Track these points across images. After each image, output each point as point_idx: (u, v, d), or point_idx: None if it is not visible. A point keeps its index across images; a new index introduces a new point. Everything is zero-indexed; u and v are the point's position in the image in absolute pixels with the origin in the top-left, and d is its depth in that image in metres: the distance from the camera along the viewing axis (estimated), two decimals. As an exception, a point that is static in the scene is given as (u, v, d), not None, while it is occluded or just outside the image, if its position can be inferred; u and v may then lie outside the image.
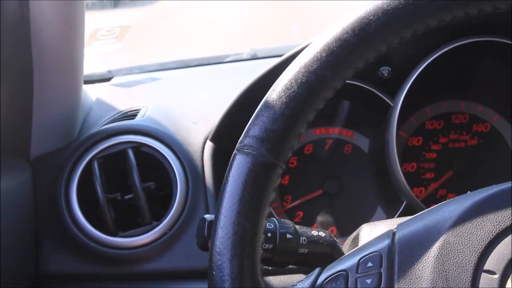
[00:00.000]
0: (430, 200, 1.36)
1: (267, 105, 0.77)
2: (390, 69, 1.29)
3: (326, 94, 0.77)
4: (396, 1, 0.76)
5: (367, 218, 1.36)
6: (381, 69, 1.29)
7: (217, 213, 0.76)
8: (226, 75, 1.74)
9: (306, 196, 1.37)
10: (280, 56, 1.88)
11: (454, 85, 1.36)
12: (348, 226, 1.36)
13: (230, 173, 0.77)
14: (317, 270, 0.83)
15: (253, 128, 0.77)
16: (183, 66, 1.86)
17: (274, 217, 1.28)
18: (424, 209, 1.21)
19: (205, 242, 0.90)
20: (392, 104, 1.27)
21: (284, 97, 0.76)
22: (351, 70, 0.77)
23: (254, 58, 1.90)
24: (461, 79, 1.35)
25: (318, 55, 0.77)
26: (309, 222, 1.37)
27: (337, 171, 1.38)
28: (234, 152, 0.77)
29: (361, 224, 1.33)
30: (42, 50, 1.15)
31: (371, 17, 0.76)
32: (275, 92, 0.77)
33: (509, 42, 1.23)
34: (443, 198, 1.36)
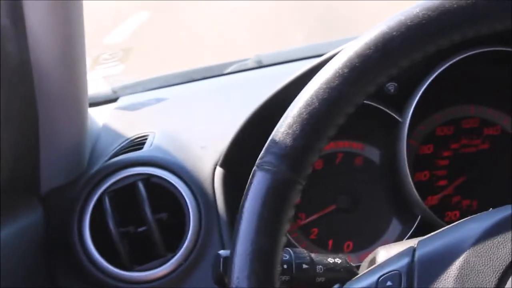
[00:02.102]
0: (445, 208, 1.35)
1: (287, 122, 0.76)
2: (396, 84, 1.28)
3: (347, 110, 0.77)
4: (420, 17, 0.76)
5: (383, 231, 1.35)
6: (387, 85, 1.28)
7: (236, 230, 0.76)
8: (232, 88, 1.73)
9: (319, 212, 1.35)
10: (286, 62, 1.88)
11: (462, 90, 1.35)
12: (364, 240, 1.35)
13: (250, 190, 0.76)
14: (336, 286, 0.82)
15: (273, 145, 0.76)
16: (187, 80, 1.85)
17: (288, 236, 1.29)
18: (439, 221, 1.22)
19: (221, 278, 0.89)
20: (400, 120, 1.26)
21: (305, 114, 0.76)
22: (373, 85, 0.77)
23: (260, 66, 1.89)
24: (469, 84, 1.34)
25: (340, 71, 0.76)
26: (324, 238, 1.36)
27: (349, 185, 1.37)
28: (254, 169, 0.77)
29: (377, 237, 1.34)
30: (45, 88, 1.14)
31: (394, 33, 0.76)
32: (296, 109, 0.77)
33: None
34: (458, 204, 1.35)
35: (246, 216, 0.76)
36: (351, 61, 0.76)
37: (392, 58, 0.76)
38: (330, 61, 0.78)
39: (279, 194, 0.75)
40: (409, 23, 0.76)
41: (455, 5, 0.76)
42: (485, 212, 0.81)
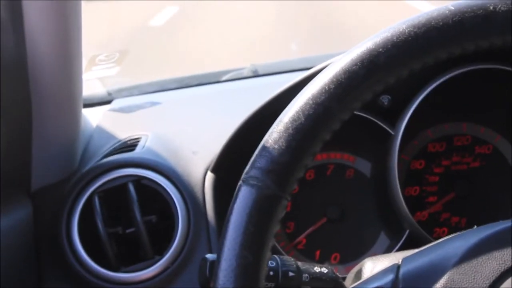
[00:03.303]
0: (434, 224, 1.35)
1: (273, 137, 0.76)
2: (390, 97, 1.28)
3: (333, 126, 0.76)
4: (406, 34, 0.76)
5: (370, 244, 1.35)
6: (381, 98, 1.28)
7: (220, 244, 0.76)
8: (227, 95, 1.73)
9: (311, 226, 1.36)
10: (281, 73, 1.89)
11: (456, 107, 1.35)
12: (351, 252, 1.35)
13: (235, 205, 0.76)
14: None
15: (259, 160, 0.76)
16: (183, 85, 1.85)
17: (277, 245, 1.29)
18: (427, 236, 1.22)
19: (207, 282, 0.89)
20: (393, 133, 1.27)
21: (291, 129, 0.75)
22: (359, 102, 0.77)
23: (255, 75, 1.89)
24: (463, 101, 1.34)
25: (326, 86, 0.76)
26: (312, 248, 1.36)
27: (340, 197, 1.37)
28: (239, 184, 0.76)
29: (364, 250, 1.34)
30: (40, 85, 1.14)
31: (380, 49, 0.76)
32: (282, 124, 0.76)
33: (507, 68, 1.23)
34: (447, 221, 1.36)
35: (230, 230, 0.75)
36: (337, 77, 0.76)
37: (378, 74, 0.76)
38: (317, 76, 0.78)
39: (264, 209, 0.75)
40: (395, 40, 0.76)
41: (441, 23, 0.76)
42: (470, 229, 0.81)
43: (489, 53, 1.20)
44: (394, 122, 1.28)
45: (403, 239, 1.27)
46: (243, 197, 0.76)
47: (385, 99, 1.28)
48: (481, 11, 0.76)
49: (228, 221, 0.76)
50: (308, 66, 1.72)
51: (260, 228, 0.75)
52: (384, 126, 1.29)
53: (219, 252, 0.75)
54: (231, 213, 0.76)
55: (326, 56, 1.86)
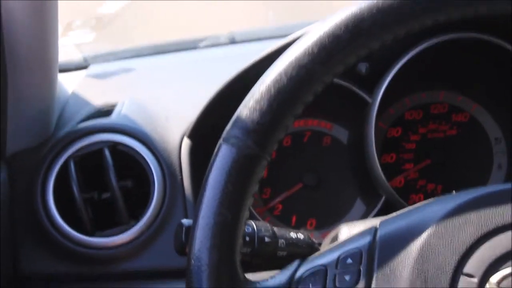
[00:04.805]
0: (410, 191, 1.36)
1: (255, 97, 0.77)
2: (368, 65, 1.28)
3: (315, 88, 0.77)
4: None
5: (346, 210, 1.36)
6: (359, 65, 1.28)
7: (198, 202, 0.76)
8: (203, 62, 1.72)
9: (286, 191, 1.36)
10: (259, 39, 1.88)
11: (433, 76, 1.36)
12: (327, 218, 1.36)
13: (215, 163, 0.76)
14: (296, 263, 0.83)
15: (240, 119, 0.76)
16: (159, 51, 1.84)
17: (253, 211, 1.29)
18: (402, 203, 1.23)
19: (183, 247, 0.89)
20: (370, 101, 1.27)
21: (273, 90, 0.76)
22: (342, 65, 0.77)
23: (232, 42, 1.88)
24: (440, 70, 1.34)
25: (310, 49, 0.76)
26: (288, 214, 1.37)
27: (316, 163, 1.38)
28: (219, 142, 0.77)
29: (340, 216, 1.35)
30: (14, 47, 1.13)
31: (365, 14, 0.76)
32: (264, 84, 0.77)
33: (486, 38, 1.23)
34: (423, 188, 1.36)
35: (209, 188, 0.76)
36: (321, 40, 0.76)
37: (362, 39, 0.76)
38: (300, 39, 0.78)
39: (244, 168, 0.76)
40: (380, 6, 0.76)
41: None
42: (448, 195, 0.81)
43: (468, 22, 1.21)
44: (371, 90, 1.28)
45: (379, 205, 1.27)
46: (223, 156, 0.76)
47: (363, 67, 1.28)
48: None
49: (206, 180, 0.76)
50: (286, 33, 1.71)
51: (239, 187, 0.76)
52: (362, 94, 1.29)
53: (196, 210, 0.76)
54: (210, 171, 0.76)
55: (304, 23, 1.86)
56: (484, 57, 1.30)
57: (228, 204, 0.75)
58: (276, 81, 0.76)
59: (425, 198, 1.33)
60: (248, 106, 0.77)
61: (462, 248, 0.74)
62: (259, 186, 1.37)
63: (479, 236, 0.74)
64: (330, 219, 1.35)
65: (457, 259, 0.73)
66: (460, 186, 1.23)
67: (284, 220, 1.36)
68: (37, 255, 1.24)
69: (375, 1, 0.76)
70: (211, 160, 0.77)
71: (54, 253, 1.23)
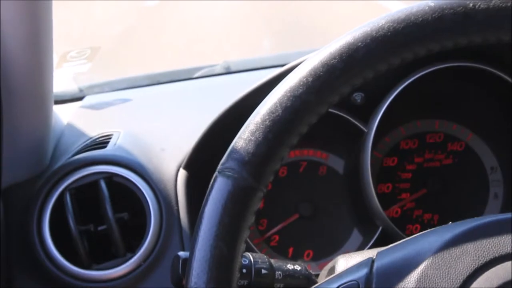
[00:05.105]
0: (407, 221, 1.36)
1: (250, 128, 0.77)
2: (363, 95, 1.28)
3: (310, 119, 0.77)
4: (385, 29, 0.76)
5: (343, 241, 1.35)
6: (354, 95, 1.28)
7: (195, 235, 0.76)
8: (199, 92, 1.73)
9: (282, 222, 1.35)
10: (254, 69, 1.89)
11: (428, 105, 1.36)
12: (324, 249, 1.35)
13: (210, 195, 0.76)
14: None
15: (235, 151, 0.76)
16: (154, 82, 1.85)
17: (249, 242, 1.28)
18: (400, 233, 1.22)
19: (179, 280, 0.89)
20: (366, 130, 1.27)
21: (268, 121, 0.76)
22: (336, 95, 0.77)
23: (228, 72, 1.88)
24: (435, 99, 1.34)
25: (304, 79, 0.76)
26: (285, 245, 1.36)
27: (312, 194, 1.37)
28: (215, 174, 0.77)
29: (337, 247, 1.34)
30: (9, 78, 1.13)
31: (359, 43, 0.76)
32: (259, 115, 0.77)
33: (481, 67, 1.23)
34: (419, 218, 1.36)
35: (206, 221, 0.75)
36: (315, 70, 0.77)
37: (357, 68, 0.77)
38: (295, 70, 0.79)
39: (240, 200, 0.75)
40: (374, 35, 0.76)
41: (420, 19, 0.76)
42: (444, 225, 0.81)
43: (461, 50, 1.21)
44: (367, 119, 1.28)
45: (376, 236, 1.27)
46: (219, 188, 0.76)
47: (358, 97, 1.28)
48: (461, 8, 0.77)
49: (202, 212, 0.76)
50: (281, 63, 1.72)
51: (235, 220, 0.75)
52: (357, 124, 1.29)
53: (193, 243, 0.75)
54: (206, 203, 0.76)
55: (299, 53, 1.86)
56: (479, 86, 1.30)
57: (224, 236, 0.75)
58: (271, 112, 0.76)
59: (422, 228, 1.34)
60: (243, 138, 0.77)
61: (459, 279, 0.73)
62: (256, 217, 1.37)
63: (476, 267, 0.74)
64: (327, 250, 1.35)
65: None
66: (457, 215, 1.23)
67: (281, 251, 1.35)
68: (32, 288, 1.23)
69: (369, 30, 0.77)
70: (207, 192, 0.77)
71: (50, 286, 1.22)
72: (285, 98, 0.76)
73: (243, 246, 0.76)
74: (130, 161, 1.26)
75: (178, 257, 0.90)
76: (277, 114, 0.76)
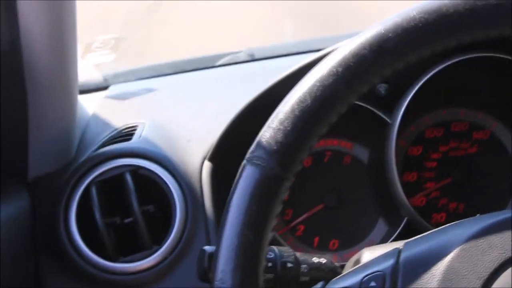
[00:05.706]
0: (432, 210, 1.35)
1: (279, 117, 0.77)
2: (387, 85, 1.28)
3: (340, 109, 0.77)
4: (417, 20, 0.76)
5: (369, 230, 1.35)
6: (378, 87, 1.28)
7: (222, 223, 0.76)
8: (223, 81, 1.73)
9: (307, 212, 1.35)
10: (278, 56, 1.88)
11: (453, 93, 1.35)
12: (349, 239, 1.35)
13: (238, 184, 0.77)
14: (319, 284, 0.83)
15: (264, 140, 0.77)
16: (178, 70, 1.84)
17: (275, 232, 1.29)
18: (425, 223, 1.22)
19: (205, 273, 0.90)
20: (390, 122, 1.26)
21: (297, 111, 0.76)
22: (366, 85, 0.77)
23: (252, 59, 1.88)
24: (460, 87, 1.34)
25: (334, 69, 0.77)
26: (310, 235, 1.36)
27: (337, 184, 1.37)
28: (243, 163, 0.77)
29: (362, 237, 1.34)
30: (34, 69, 1.14)
31: (390, 34, 0.76)
32: (288, 105, 0.77)
33: (507, 57, 1.23)
34: (445, 207, 1.35)
35: (233, 209, 0.76)
36: (345, 60, 0.77)
37: (387, 59, 0.77)
38: (325, 59, 0.79)
39: (268, 189, 0.76)
40: (405, 25, 0.76)
41: (452, 10, 0.76)
42: (471, 218, 0.81)
43: (489, 41, 1.21)
44: (391, 110, 1.28)
45: (401, 226, 1.27)
46: (247, 176, 0.76)
47: (382, 88, 1.28)
48: None
49: (230, 200, 0.76)
50: (306, 49, 1.71)
51: (263, 208, 0.76)
52: (382, 115, 1.28)
53: (220, 230, 0.76)
54: (233, 192, 0.76)
55: (323, 39, 1.86)
56: (502, 74, 1.29)
57: (251, 224, 0.75)
58: (301, 102, 0.76)
59: (447, 217, 1.33)
60: (272, 127, 0.77)
61: (485, 273, 0.73)
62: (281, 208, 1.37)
63: (503, 260, 0.74)
64: (352, 240, 1.35)
65: (480, 284, 0.73)
66: (482, 204, 1.23)
67: (307, 241, 1.35)
68: (59, 281, 1.24)
69: (400, 21, 0.77)
70: (235, 181, 0.77)
71: (77, 279, 1.23)
72: (315, 88, 0.76)
73: (269, 235, 0.77)
74: (155, 154, 1.27)
75: (204, 251, 0.90)
76: (306, 103, 0.76)
